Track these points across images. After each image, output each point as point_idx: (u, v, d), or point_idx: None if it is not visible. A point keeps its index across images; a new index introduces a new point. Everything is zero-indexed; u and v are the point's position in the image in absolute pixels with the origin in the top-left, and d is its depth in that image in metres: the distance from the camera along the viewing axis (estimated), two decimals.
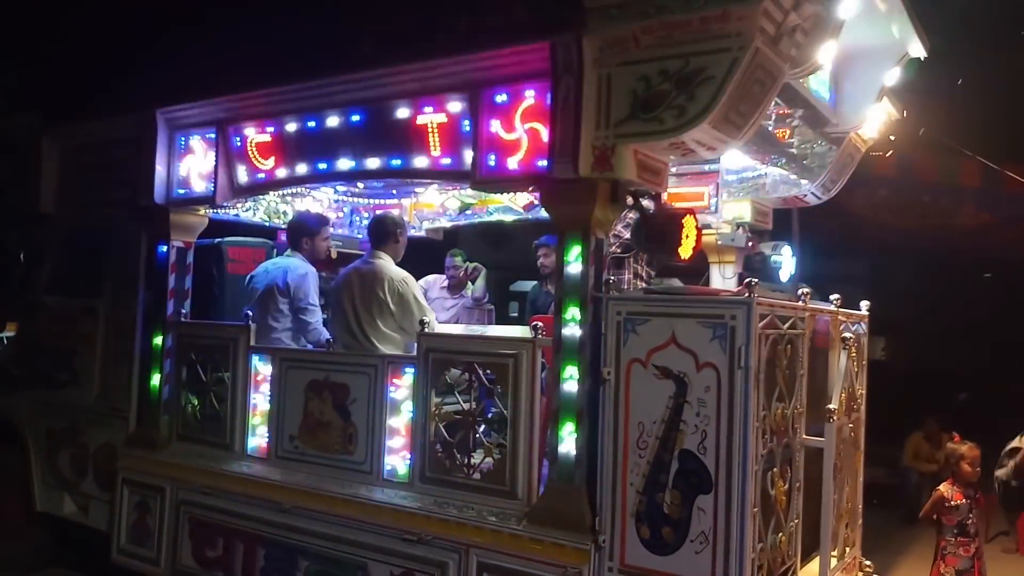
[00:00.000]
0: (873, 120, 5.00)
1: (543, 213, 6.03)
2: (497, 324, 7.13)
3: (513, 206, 6.27)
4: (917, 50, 4.66)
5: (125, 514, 5.38)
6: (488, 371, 4.03)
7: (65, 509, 6.00)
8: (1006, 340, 12.15)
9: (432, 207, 6.85)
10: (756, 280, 3.41)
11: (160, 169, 5.41)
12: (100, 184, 5.96)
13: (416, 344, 4.35)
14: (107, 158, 5.89)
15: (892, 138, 5.36)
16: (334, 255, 6.09)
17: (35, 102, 6.94)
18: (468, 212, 6.77)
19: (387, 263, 4.95)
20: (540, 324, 3.94)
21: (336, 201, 6.74)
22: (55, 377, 6.13)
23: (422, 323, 4.36)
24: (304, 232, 5.50)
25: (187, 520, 5.05)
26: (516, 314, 7.26)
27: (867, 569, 4.51)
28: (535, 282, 6.73)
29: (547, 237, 6.39)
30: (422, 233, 6.95)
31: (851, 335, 4.17)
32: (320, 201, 6.56)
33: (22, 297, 6.68)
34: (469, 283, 6.88)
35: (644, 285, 4.81)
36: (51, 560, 6.21)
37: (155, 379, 5.41)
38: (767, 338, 3.47)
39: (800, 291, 4.18)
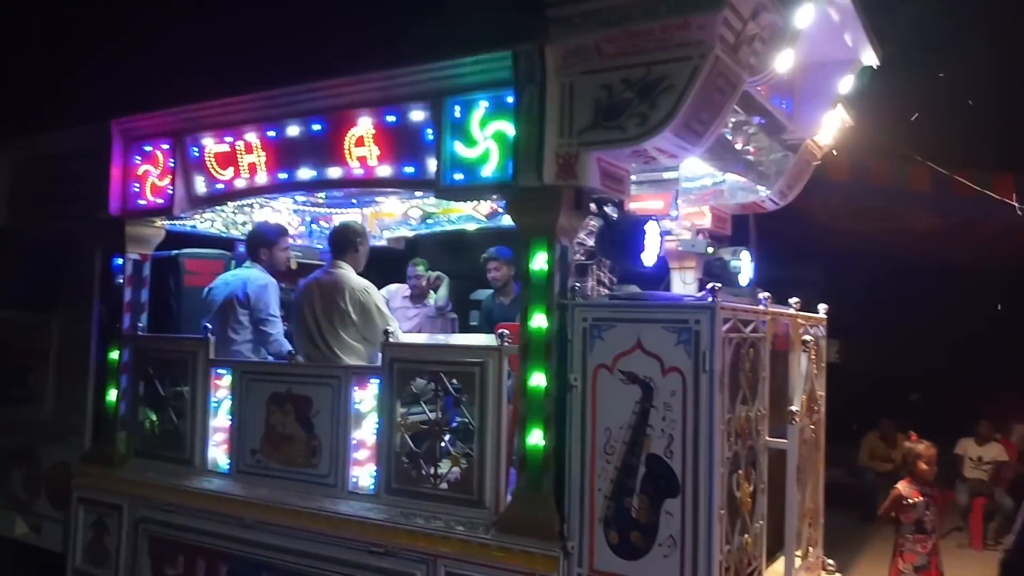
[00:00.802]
0: (828, 127, 5.11)
1: (505, 221, 6.10)
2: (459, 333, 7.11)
3: (475, 215, 6.26)
4: (870, 58, 4.77)
5: (81, 534, 5.25)
6: (454, 380, 4.01)
7: (16, 531, 5.83)
8: (958, 341, 12.48)
9: (393, 216, 6.81)
10: (718, 285, 3.46)
11: (115, 180, 5.31)
12: (54, 196, 5.82)
13: (380, 354, 4.32)
14: (61, 169, 5.76)
15: (834, 152, 5.46)
16: (294, 266, 6.02)
17: None
18: (430, 221, 6.75)
19: (348, 272, 4.91)
20: (506, 332, 3.94)
21: (296, 211, 6.67)
22: (9, 394, 5.96)
23: (386, 332, 4.33)
24: (262, 243, 5.43)
25: (146, 538, 4.94)
26: (476, 323, 7.23)
27: (829, 568, 4.58)
28: (490, 291, 6.72)
29: (496, 249, 6.41)
30: (383, 242, 6.90)
31: (811, 338, 4.24)
32: (279, 211, 6.48)
33: None
34: (431, 292, 6.85)
35: (607, 292, 4.85)
36: None
37: (111, 394, 5.29)
38: (730, 342, 3.51)
39: (759, 295, 4.24)
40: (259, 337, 5.17)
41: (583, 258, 4.27)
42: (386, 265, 7.11)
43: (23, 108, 6.49)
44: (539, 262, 3.74)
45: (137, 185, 5.28)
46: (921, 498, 5.14)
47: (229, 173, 4.89)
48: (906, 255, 11.19)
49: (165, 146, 5.14)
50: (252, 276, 5.23)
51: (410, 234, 7.06)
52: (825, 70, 4.86)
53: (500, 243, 6.51)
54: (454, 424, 4.13)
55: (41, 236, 5.96)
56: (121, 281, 5.31)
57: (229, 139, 4.86)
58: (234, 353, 5.09)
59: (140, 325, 5.35)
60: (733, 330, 3.53)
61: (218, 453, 4.89)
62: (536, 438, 3.70)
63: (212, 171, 4.96)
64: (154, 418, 5.14)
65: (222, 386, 4.89)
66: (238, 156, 4.82)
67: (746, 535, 3.70)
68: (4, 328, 6.14)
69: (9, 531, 5.82)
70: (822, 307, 4.87)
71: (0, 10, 9.36)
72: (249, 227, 6.14)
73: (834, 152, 5.46)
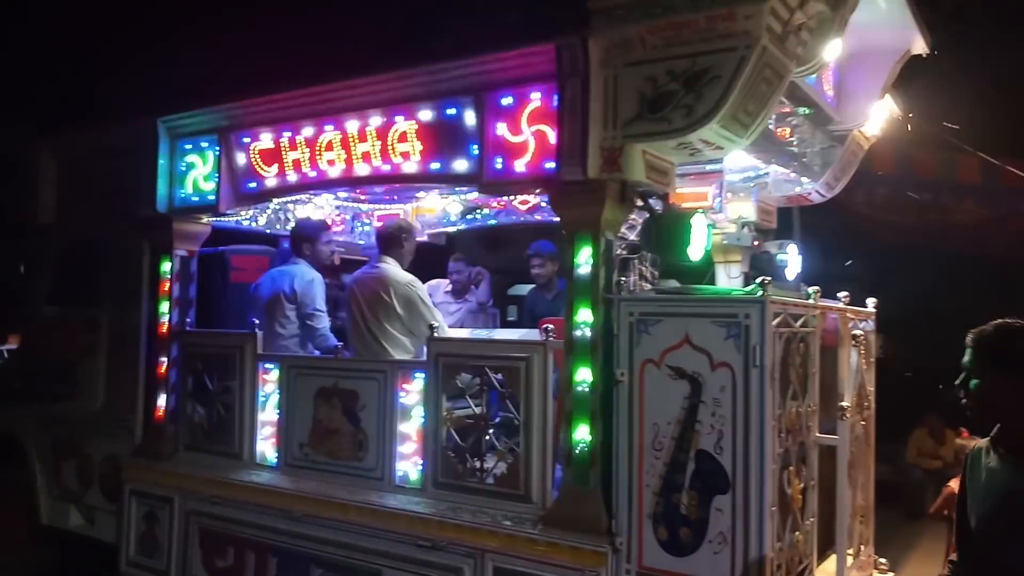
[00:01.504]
0: (876, 117, 5.01)
1: (545, 216, 6.10)
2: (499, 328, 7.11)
3: (516, 209, 6.25)
4: (919, 47, 4.67)
5: (133, 525, 5.35)
6: (499, 375, 4.02)
7: (71, 521, 5.96)
8: None
9: (434, 212, 6.83)
10: (768, 279, 3.41)
11: (162, 178, 5.39)
12: (100, 193, 5.92)
13: (426, 349, 4.33)
14: (107, 167, 5.85)
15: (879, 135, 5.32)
16: (337, 261, 6.07)
17: (32, 112, 6.91)
18: (470, 216, 6.76)
19: (392, 267, 4.94)
20: (551, 327, 3.93)
21: (337, 208, 6.72)
22: (58, 389, 6.08)
23: (431, 328, 4.35)
24: (305, 238, 5.48)
25: (196, 530, 5.02)
26: (514, 318, 7.22)
27: (882, 567, 4.51)
28: (532, 286, 6.71)
29: (540, 244, 6.38)
30: (424, 238, 6.92)
31: (861, 332, 4.17)
32: (321, 208, 6.54)
33: (23, 309, 6.63)
34: (472, 287, 6.86)
35: (649, 287, 4.81)
36: (58, 573, 6.17)
37: (161, 389, 5.38)
38: (781, 336, 3.46)
39: (805, 289, 4.18)
40: (305, 332, 5.23)
41: (627, 253, 4.24)
42: (427, 261, 7.13)
43: (70, 107, 6.60)
44: (584, 256, 3.73)
45: (183, 182, 5.36)
46: None
47: (274, 170, 4.94)
48: (952, 247, 10.95)
49: (210, 143, 5.21)
50: (299, 271, 5.29)
51: (450, 230, 7.08)
52: (873, 59, 4.77)
53: (539, 238, 6.49)
54: (498, 419, 4.14)
55: (88, 233, 6.08)
56: (169, 277, 5.38)
57: (273, 136, 4.90)
58: (281, 348, 5.15)
59: (188, 320, 5.43)
60: (783, 324, 3.49)
61: (266, 447, 4.95)
62: (582, 433, 3.69)
63: (257, 168, 5.01)
64: (202, 412, 5.21)
65: (270, 380, 4.95)
66: (282, 153, 4.86)
67: (797, 532, 3.66)
68: (53, 324, 6.27)
69: (64, 522, 5.95)
70: (871, 301, 4.79)
71: (46, 9, 9.57)
72: (292, 224, 6.21)
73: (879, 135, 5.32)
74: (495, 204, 6.29)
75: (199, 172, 5.28)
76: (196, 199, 5.30)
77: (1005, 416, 2.47)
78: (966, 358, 2.50)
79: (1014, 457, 2.42)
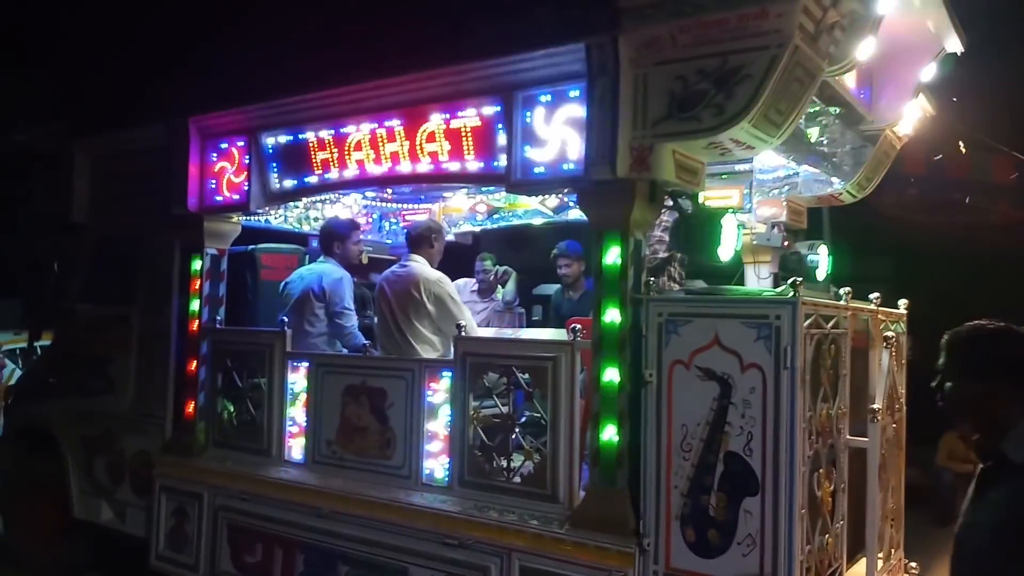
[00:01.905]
0: (909, 117, 4.95)
1: (572, 215, 6.09)
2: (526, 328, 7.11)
3: (543, 209, 6.26)
4: (954, 45, 4.60)
5: (163, 520, 5.41)
6: (526, 374, 4.02)
7: (102, 516, 6.03)
8: None
9: (461, 211, 6.86)
10: (800, 279, 3.38)
11: (193, 177, 5.45)
12: (132, 192, 6.00)
13: (453, 348, 4.35)
14: (139, 166, 5.93)
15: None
16: (365, 260, 6.11)
17: (66, 111, 7.01)
18: (496, 216, 6.78)
19: (422, 266, 4.97)
20: (578, 326, 3.93)
21: (365, 207, 6.77)
22: (90, 385, 6.17)
23: (459, 327, 4.36)
24: (335, 237, 5.53)
25: (225, 526, 5.07)
26: (539, 317, 7.22)
27: (912, 571, 4.45)
28: (558, 286, 6.70)
29: (567, 244, 6.38)
30: (451, 237, 6.95)
31: (892, 334, 4.13)
32: (349, 207, 6.59)
33: (56, 306, 6.74)
34: (499, 287, 6.87)
35: (677, 287, 4.79)
36: (89, 566, 6.26)
37: (190, 386, 5.44)
38: (812, 338, 3.43)
39: (836, 290, 4.14)
40: (334, 330, 5.26)
41: (663, 253, 4.23)
42: (453, 260, 7.15)
43: (102, 107, 6.69)
44: (612, 256, 3.71)
45: (214, 181, 5.41)
46: None
47: (303, 169, 4.97)
48: (984, 248, 10.79)
49: (241, 143, 5.26)
50: (327, 270, 5.33)
51: (477, 229, 7.10)
52: (906, 57, 4.70)
53: (566, 238, 6.48)
54: (524, 418, 4.14)
55: (120, 232, 6.16)
56: (200, 275, 5.45)
57: (302, 136, 4.94)
58: (310, 346, 5.20)
59: (218, 318, 5.48)
60: (814, 326, 3.46)
61: (294, 444, 4.99)
62: (610, 434, 3.68)
63: (287, 167, 5.05)
64: (232, 409, 5.27)
65: (299, 378, 4.98)
66: (311, 153, 4.90)
67: (827, 535, 3.63)
68: (85, 321, 6.36)
69: (96, 516, 6.03)
70: (902, 302, 4.74)
71: (79, 10, 9.71)
72: (320, 222, 6.26)
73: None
74: (522, 203, 6.30)
75: (229, 171, 5.33)
76: (226, 198, 5.35)
77: (977, 419, 2.38)
78: (940, 360, 2.44)
79: (983, 475, 2.33)
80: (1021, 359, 2.33)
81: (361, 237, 5.93)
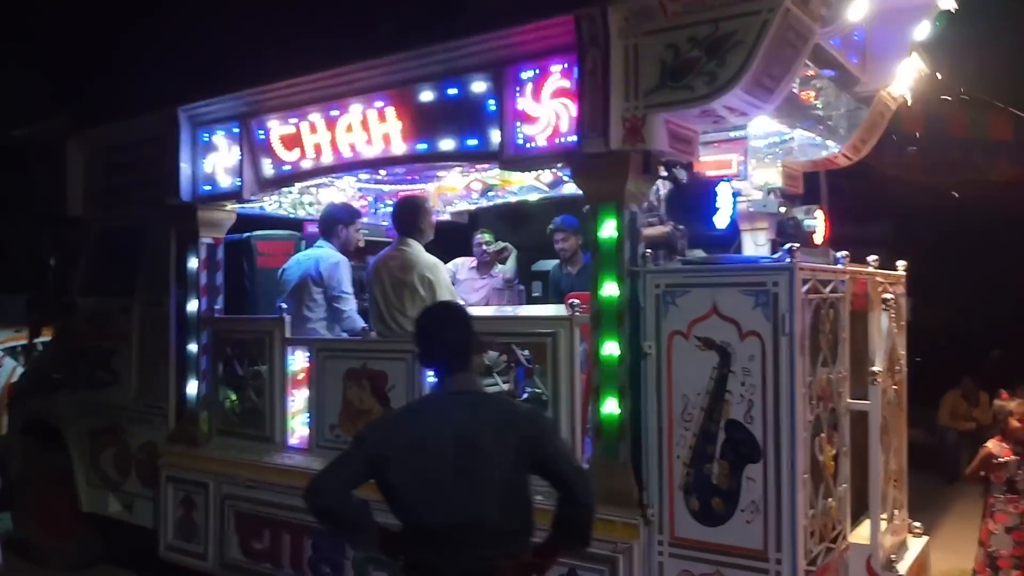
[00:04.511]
0: (903, 77, 4.90)
1: (567, 190, 6.06)
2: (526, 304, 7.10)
3: (538, 184, 6.22)
4: (947, 2, 4.55)
5: (170, 511, 5.44)
6: (526, 351, 4.01)
7: (110, 508, 6.06)
8: None
9: (455, 190, 6.81)
10: (796, 245, 3.37)
11: (185, 166, 5.43)
12: (128, 184, 5.99)
13: None
14: (134, 158, 5.92)
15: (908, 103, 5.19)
16: (362, 243, 6.09)
17: (58, 104, 6.97)
18: (491, 193, 6.73)
19: (416, 250, 4.93)
20: (576, 301, 3.92)
21: (359, 190, 6.73)
22: (94, 377, 6.18)
23: None
24: (338, 221, 5.51)
25: (232, 514, 5.09)
26: (539, 294, 7.21)
27: (916, 530, 4.48)
28: (556, 261, 6.68)
29: (563, 219, 6.35)
30: (447, 216, 6.92)
31: (891, 296, 4.12)
32: (343, 190, 6.55)
33: (57, 300, 6.73)
34: (498, 263, 6.86)
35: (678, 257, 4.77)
36: (100, 558, 6.30)
37: (192, 376, 5.45)
38: (810, 303, 3.43)
39: (834, 254, 4.12)
40: (333, 314, 5.26)
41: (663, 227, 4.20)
42: (449, 240, 7.13)
43: (93, 99, 6.66)
44: (608, 229, 3.70)
45: (207, 170, 5.38)
46: (1013, 456, 4.97)
47: (295, 154, 4.94)
48: (983, 206, 10.74)
49: (232, 130, 5.22)
50: (324, 255, 5.32)
51: (472, 207, 7.06)
52: (899, 17, 4.64)
53: (562, 212, 6.45)
54: (525, 395, 4.14)
55: (116, 224, 6.15)
56: (196, 265, 5.44)
57: (294, 120, 4.90)
58: (309, 331, 5.19)
59: (216, 307, 5.48)
60: (812, 291, 3.45)
61: (298, 429, 4.99)
62: (611, 407, 3.69)
63: (279, 153, 5.02)
64: (234, 397, 5.27)
65: (299, 363, 4.98)
66: (303, 137, 4.87)
67: (830, 499, 3.64)
68: (87, 314, 6.36)
69: (104, 509, 6.06)
70: (900, 264, 4.72)
71: (67, 3, 9.64)
72: (316, 207, 6.23)
73: (908, 102, 5.21)
74: (516, 179, 6.25)
75: (222, 159, 5.30)
76: (220, 187, 5.33)
77: None
78: None
79: None
80: None
81: (362, 224, 5.92)
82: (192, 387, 5.45)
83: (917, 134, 8.56)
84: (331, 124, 4.72)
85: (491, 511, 2.59)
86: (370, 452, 2.68)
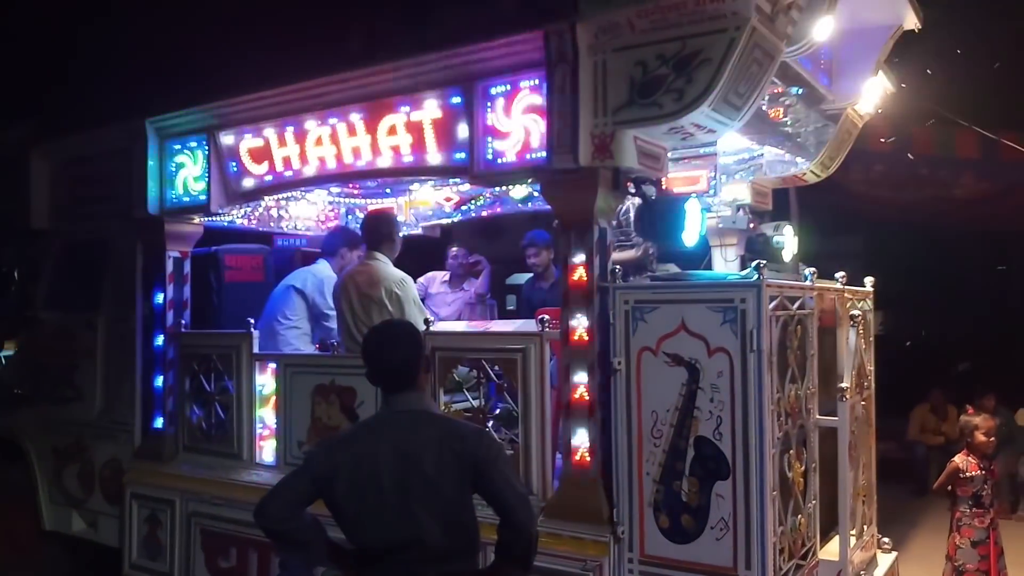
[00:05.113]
0: (869, 95, 4.96)
1: (540, 204, 6.05)
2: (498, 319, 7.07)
3: (510, 198, 6.21)
4: (911, 22, 4.63)
5: (135, 528, 5.34)
6: (496, 367, 3.99)
7: (74, 527, 5.95)
8: (1009, 308, 12.18)
9: (427, 204, 6.78)
10: (763, 261, 3.38)
11: (152, 179, 5.35)
12: (93, 197, 5.90)
13: None
14: (99, 170, 5.83)
15: (879, 111, 5.28)
16: None
17: (22, 116, 6.86)
18: (464, 208, 6.71)
19: (384, 265, 4.87)
20: (547, 317, 3.90)
21: (331, 203, 6.69)
22: (58, 393, 6.07)
23: (427, 322, 4.32)
24: (344, 243, 5.47)
25: (199, 531, 5.01)
26: (513, 307, 7.19)
27: (885, 546, 4.50)
28: (529, 275, 6.67)
29: (534, 234, 6.35)
30: (419, 231, 6.89)
31: (859, 312, 4.15)
32: (315, 204, 6.51)
33: (20, 314, 6.60)
34: (471, 278, 6.83)
35: (648, 273, 4.77)
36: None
37: (158, 391, 5.36)
38: (778, 319, 3.44)
39: (803, 270, 4.15)
40: (321, 332, 5.26)
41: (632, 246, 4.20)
42: (422, 254, 7.10)
43: (56, 109, 6.56)
44: (577, 245, 3.68)
45: (174, 183, 5.32)
46: (979, 471, 5.01)
47: (264, 167, 4.90)
48: (950, 222, 10.90)
49: (199, 143, 5.17)
50: (317, 270, 5.40)
51: (445, 222, 7.03)
52: (865, 36, 4.72)
53: (535, 227, 6.45)
54: (497, 411, 4.11)
55: (82, 237, 6.05)
56: (163, 279, 5.36)
57: (263, 133, 4.86)
58: (280, 339, 5.17)
59: (184, 322, 5.40)
60: (780, 307, 3.46)
61: (265, 446, 4.93)
62: (581, 423, 3.66)
63: (247, 166, 4.97)
64: (201, 413, 5.20)
65: (267, 379, 4.92)
66: (272, 150, 4.82)
67: (799, 515, 3.64)
68: (50, 329, 6.25)
69: (67, 527, 5.95)
70: (868, 280, 4.76)
71: (31, 15, 9.50)
72: (286, 223, 6.20)
73: (879, 111, 5.28)
74: (488, 194, 6.25)
75: (189, 172, 5.24)
76: (187, 199, 5.26)
77: None
78: None
79: None
80: None
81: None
82: (158, 403, 5.35)
83: (883, 146, 8.68)
84: (300, 137, 4.69)
85: (432, 530, 2.58)
86: (316, 471, 2.67)
